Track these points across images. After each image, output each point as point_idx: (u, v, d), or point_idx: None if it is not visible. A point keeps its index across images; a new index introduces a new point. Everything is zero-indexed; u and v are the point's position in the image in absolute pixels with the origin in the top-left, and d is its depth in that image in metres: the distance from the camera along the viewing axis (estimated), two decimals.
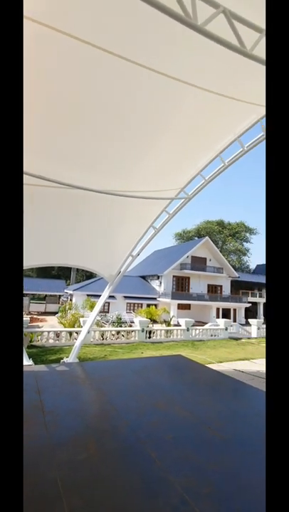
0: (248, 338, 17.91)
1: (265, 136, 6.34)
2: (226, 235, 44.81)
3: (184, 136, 6.36)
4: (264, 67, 4.01)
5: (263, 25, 3.92)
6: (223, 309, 28.40)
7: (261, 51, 3.89)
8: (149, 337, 15.12)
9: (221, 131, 6.48)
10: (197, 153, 7.05)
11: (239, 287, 33.63)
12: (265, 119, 6.25)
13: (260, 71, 4.15)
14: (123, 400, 4.18)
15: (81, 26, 3.46)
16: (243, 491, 2.36)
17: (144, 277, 31.99)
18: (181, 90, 4.82)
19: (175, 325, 19.73)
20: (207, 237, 33.02)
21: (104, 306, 24.67)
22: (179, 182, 7.72)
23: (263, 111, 5.89)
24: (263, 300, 32.11)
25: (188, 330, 16.23)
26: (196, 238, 41.15)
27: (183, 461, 2.73)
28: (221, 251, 36.60)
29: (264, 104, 5.86)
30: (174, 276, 28.91)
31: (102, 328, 15.03)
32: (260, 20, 3.82)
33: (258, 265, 46.15)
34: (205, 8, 3.36)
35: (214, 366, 9.71)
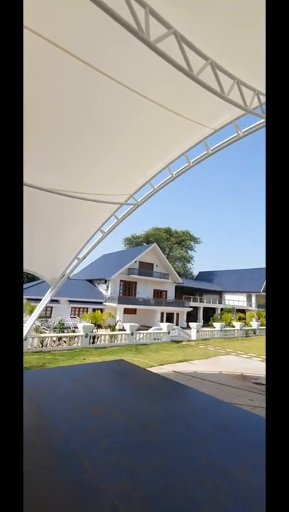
0: (188, 341, 18.95)
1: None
2: (173, 242, 46.99)
3: (136, 146, 6.51)
4: (208, 92, 4.38)
5: (211, 54, 4.31)
6: (167, 314, 29.51)
7: (206, 77, 4.27)
8: (93, 342, 14.77)
9: (170, 144, 6.83)
10: (147, 163, 7.28)
11: (182, 292, 35.47)
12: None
13: (206, 95, 4.55)
14: (59, 410, 3.97)
15: (42, 26, 3.30)
16: (175, 491, 2.46)
17: (91, 281, 31.27)
18: (137, 102, 4.94)
19: (120, 330, 19.71)
20: (155, 243, 34.08)
21: (46, 310, 23.20)
22: (128, 188, 7.84)
23: (206, 131, 6.42)
24: (203, 305, 34.46)
25: (132, 334, 16.37)
26: (145, 244, 42.14)
27: (117, 467, 2.71)
28: (167, 257, 38.15)
29: (208, 125, 6.37)
30: (121, 280, 28.96)
31: (42, 335, 14.11)
32: (208, 48, 4.20)
33: (200, 272, 49.46)
34: (158, 26, 3.54)
35: (155, 369, 9.98)
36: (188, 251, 48.62)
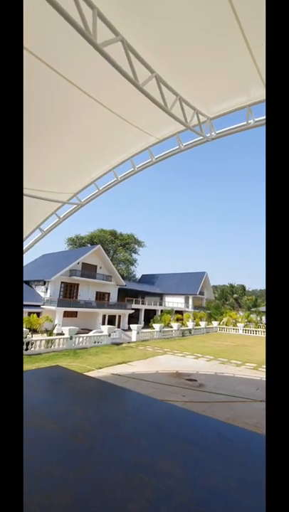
0: (129, 343, 19.18)
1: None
2: (118, 244, 47.12)
3: (81, 145, 6.37)
4: (151, 104, 4.58)
5: (156, 68, 4.54)
6: (109, 316, 29.32)
7: (151, 89, 4.47)
8: (26, 349, 13.69)
9: (116, 148, 6.90)
10: (93, 164, 7.19)
11: (125, 295, 35.80)
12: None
13: (152, 106, 4.75)
14: None
15: None
16: (104, 493, 2.46)
17: (27, 282, 28.98)
18: (84, 101, 4.85)
19: (58, 334, 18.74)
20: (99, 245, 33.63)
21: None
22: (72, 187, 7.59)
23: (151, 140, 6.70)
24: (145, 306, 35.38)
25: (71, 338, 15.76)
26: (89, 245, 41.18)
27: (44, 478, 2.58)
28: (111, 260, 38.02)
29: (153, 134, 6.63)
30: (62, 282, 27.63)
31: None
32: (154, 62, 4.41)
33: (143, 275, 50.71)
34: (107, 32, 3.57)
35: (93, 373, 9.81)
36: (133, 254, 49.40)
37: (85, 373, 9.30)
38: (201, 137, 6.13)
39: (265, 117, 5.77)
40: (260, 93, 5.22)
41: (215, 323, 32.15)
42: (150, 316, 34.12)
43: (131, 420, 3.99)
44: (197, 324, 29.48)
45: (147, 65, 4.26)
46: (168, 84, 4.78)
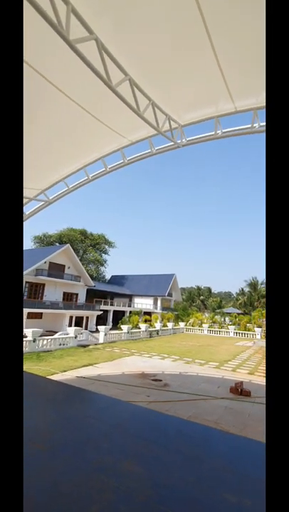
0: (96, 344, 18.89)
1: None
2: (88, 244, 46.23)
3: (51, 139, 6.17)
4: (125, 106, 4.60)
5: (130, 71, 4.59)
6: (76, 317, 28.58)
7: (124, 91, 4.50)
8: None
9: (88, 147, 6.80)
10: (63, 160, 7.00)
11: (94, 296, 35.19)
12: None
13: (126, 108, 4.77)
14: None
15: None
16: (62, 498, 2.40)
17: None
18: (54, 95, 4.72)
19: None
20: (68, 244, 32.70)
21: None
22: (39, 183, 7.32)
23: (124, 141, 6.72)
24: (114, 308, 35.12)
25: (34, 341, 15.09)
26: (58, 244, 39.81)
27: None
28: (81, 260, 37.14)
29: (126, 136, 6.65)
30: (27, 282, 26.35)
31: None
32: (128, 65, 4.45)
33: (112, 276, 50.31)
34: (80, 29, 3.53)
35: (57, 376, 9.50)
36: (103, 254, 48.81)
37: (49, 377, 8.96)
38: (173, 143, 6.30)
39: (264, 124, 6.11)
40: (227, 106, 5.52)
41: (182, 324, 32.98)
42: (119, 318, 33.95)
43: (94, 422, 3.94)
44: (165, 325, 29.99)
45: (121, 67, 4.28)
46: (141, 89, 4.85)
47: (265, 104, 5.33)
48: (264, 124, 5.62)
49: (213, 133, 6.13)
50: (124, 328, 22.99)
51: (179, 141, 6.38)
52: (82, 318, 29.55)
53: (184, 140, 6.46)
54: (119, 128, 6.17)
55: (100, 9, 3.50)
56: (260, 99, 5.21)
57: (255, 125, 5.60)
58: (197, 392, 8.24)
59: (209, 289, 53.27)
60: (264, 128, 5.64)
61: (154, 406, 6.71)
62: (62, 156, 6.84)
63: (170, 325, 30.18)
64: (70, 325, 26.34)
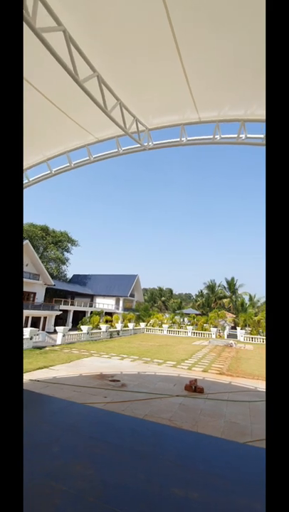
0: (53, 346, 18.14)
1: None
2: (49, 242, 44.20)
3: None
4: (93, 103, 4.53)
5: (99, 69, 4.53)
6: (33, 318, 27.11)
7: (92, 88, 4.43)
8: None
9: (53, 140, 6.55)
10: (25, 152, 6.62)
11: (54, 295, 33.76)
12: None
13: (93, 106, 4.70)
14: None
15: None
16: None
17: None
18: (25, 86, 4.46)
19: None
20: (28, 240, 30.94)
21: None
22: None
23: (91, 138, 6.61)
24: (74, 308, 34.09)
25: None
26: None
27: None
28: (40, 257, 35.37)
29: (93, 133, 6.54)
30: None
31: None
32: (98, 62, 4.39)
33: (74, 275, 48.83)
34: (48, 20, 3.40)
35: None
36: (65, 253, 47.13)
37: None
38: (139, 145, 6.37)
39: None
40: (192, 116, 5.77)
41: (142, 325, 33.34)
42: (79, 318, 33.06)
43: (45, 427, 3.80)
44: (126, 326, 30.02)
45: (89, 62, 4.21)
46: (110, 88, 4.83)
47: (227, 117, 5.69)
48: (225, 136, 5.99)
49: (178, 140, 6.34)
50: (84, 328, 22.47)
51: (145, 144, 6.47)
52: (39, 318, 28.16)
53: (150, 143, 6.57)
54: (86, 124, 6.06)
55: (71, 4, 3.41)
56: (222, 113, 5.54)
57: (216, 136, 5.94)
58: (154, 391, 8.41)
59: (171, 291, 54.72)
60: (225, 140, 6.00)
61: (110, 407, 6.68)
62: (24, 147, 6.48)
63: (131, 325, 30.30)
64: (26, 325, 24.91)
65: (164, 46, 3.91)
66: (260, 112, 5.27)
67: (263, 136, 5.48)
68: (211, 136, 6.02)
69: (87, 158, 6.93)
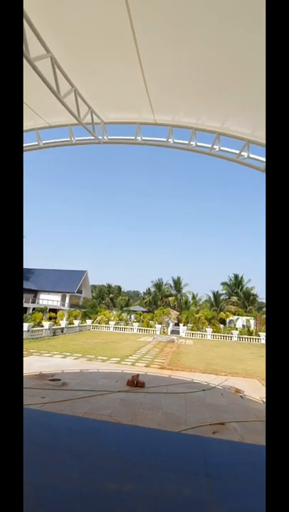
0: None
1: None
2: None
3: None
4: (46, 87, 4.25)
5: (54, 50, 4.26)
6: None
7: (44, 69, 4.15)
8: None
9: None
10: None
11: None
12: None
13: (45, 88, 4.39)
14: None
15: None
16: None
17: None
18: None
19: None
20: None
21: None
22: None
23: (41, 122, 6.18)
24: None
25: None
26: None
27: None
28: None
29: (43, 117, 6.12)
30: None
31: None
32: (53, 42, 4.11)
33: None
34: None
35: None
36: None
37: None
38: (93, 137, 6.21)
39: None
40: (149, 116, 5.87)
41: (89, 322, 32.72)
42: None
43: None
44: (71, 323, 29.06)
45: (42, 40, 3.93)
46: (64, 72, 4.59)
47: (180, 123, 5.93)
48: (178, 140, 6.24)
49: (134, 138, 6.38)
50: (25, 326, 21.01)
51: (100, 137, 6.34)
52: None
53: (105, 137, 6.47)
54: (37, 107, 5.65)
55: None
56: (176, 118, 5.77)
57: (170, 140, 6.15)
58: (95, 388, 8.33)
59: (119, 288, 54.85)
60: (177, 145, 6.25)
61: (48, 407, 6.39)
62: None
63: (76, 322, 29.46)
64: None
65: (123, 42, 3.88)
66: (210, 123, 5.64)
67: (210, 145, 5.88)
68: (165, 139, 6.21)
69: (36, 143, 6.48)
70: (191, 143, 6.01)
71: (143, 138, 6.37)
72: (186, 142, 6.09)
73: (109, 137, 6.55)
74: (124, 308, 40.27)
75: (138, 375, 9.07)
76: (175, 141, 6.20)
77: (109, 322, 32.90)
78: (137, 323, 32.81)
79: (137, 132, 6.21)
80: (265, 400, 8.03)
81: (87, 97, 5.37)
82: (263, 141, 5.20)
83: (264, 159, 5.39)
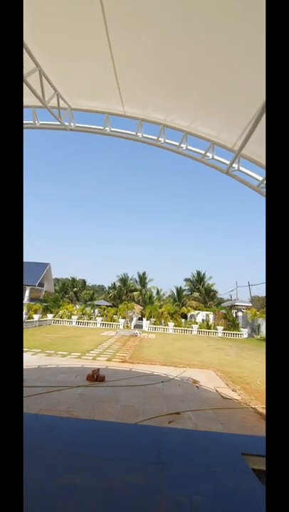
0: None
1: None
2: None
3: None
4: None
5: None
6: None
7: None
8: None
9: None
10: None
11: None
12: None
13: None
14: None
15: None
16: None
17: None
18: None
19: None
20: None
21: None
22: None
23: None
24: None
25: None
26: None
27: None
28: None
29: None
30: None
31: None
32: None
33: None
34: None
35: None
36: None
37: None
38: (59, 123, 5.91)
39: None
40: (118, 107, 5.75)
41: (50, 316, 31.58)
42: None
43: None
44: (30, 317, 27.77)
45: None
46: (28, 49, 4.27)
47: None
48: (147, 135, 6.23)
49: (102, 128, 6.21)
50: None
51: (66, 124, 6.06)
52: None
53: (72, 124, 6.20)
54: None
55: None
56: (145, 112, 5.73)
57: (139, 134, 6.11)
58: (54, 384, 8.10)
59: (84, 281, 53.70)
60: (146, 139, 6.24)
61: None
62: None
63: (36, 317, 28.23)
64: None
65: (94, 29, 3.73)
66: (179, 121, 5.72)
67: (177, 143, 5.97)
68: (134, 133, 6.16)
69: None
70: (160, 139, 6.04)
71: (112, 129, 6.24)
72: (155, 138, 6.10)
73: (77, 124, 6.30)
74: (88, 303, 39.62)
75: (98, 369, 9.02)
76: (144, 135, 6.18)
77: (72, 316, 32.13)
78: (101, 318, 32.55)
79: (106, 122, 6.06)
80: (218, 389, 8.54)
81: (53, 79, 5.07)
82: (227, 143, 5.43)
83: (227, 162, 5.63)
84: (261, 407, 6.96)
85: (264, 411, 6.66)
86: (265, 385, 9.12)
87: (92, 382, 8.43)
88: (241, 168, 5.65)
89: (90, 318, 32.95)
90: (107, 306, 38.67)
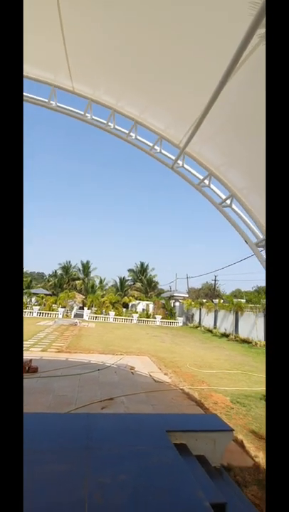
0: None
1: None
2: None
3: None
4: None
5: None
6: None
7: None
8: None
9: None
10: None
11: None
12: None
13: None
14: None
15: None
16: None
17: None
18: None
19: None
20: None
21: None
22: None
23: None
24: None
25: None
26: None
27: None
28: None
29: None
30: None
31: None
32: None
33: None
34: None
35: None
36: None
37: None
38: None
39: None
40: (66, 82, 5.33)
41: None
42: None
43: None
44: None
45: None
46: None
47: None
48: (96, 118, 5.95)
49: (47, 101, 5.69)
50: None
51: None
52: None
53: None
54: None
55: None
56: (96, 93, 5.47)
57: (87, 115, 5.81)
58: None
59: None
60: (95, 122, 5.97)
61: None
62: None
63: None
64: None
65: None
66: (130, 109, 5.63)
67: (127, 131, 5.89)
68: (83, 113, 5.83)
69: None
70: (110, 124, 5.85)
71: (58, 104, 5.77)
72: (105, 122, 5.89)
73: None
74: (25, 291, 36.88)
75: (31, 360, 8.57)
76: (93, 117, 5.90)
77: None
78: (38, 307, 30.77)
79: (51, 95, 5.57)
80: (152, 374, 9.02)
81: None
82: (174, 139, 5.58)
83: (173, 157, 5.81)
84: (188, 388, 7.64)
85: (190, 391, 7.33)
86: (193, 368, 9.89)
87: (24, 373, 7.97)
88: (185, 166, 5.90)
89: (26, 307, 30.83)
90: (46, 295, 36.71)
